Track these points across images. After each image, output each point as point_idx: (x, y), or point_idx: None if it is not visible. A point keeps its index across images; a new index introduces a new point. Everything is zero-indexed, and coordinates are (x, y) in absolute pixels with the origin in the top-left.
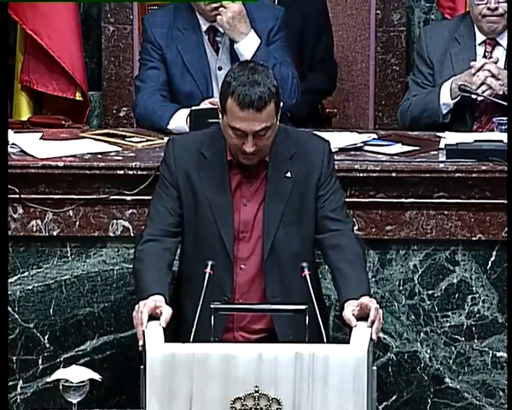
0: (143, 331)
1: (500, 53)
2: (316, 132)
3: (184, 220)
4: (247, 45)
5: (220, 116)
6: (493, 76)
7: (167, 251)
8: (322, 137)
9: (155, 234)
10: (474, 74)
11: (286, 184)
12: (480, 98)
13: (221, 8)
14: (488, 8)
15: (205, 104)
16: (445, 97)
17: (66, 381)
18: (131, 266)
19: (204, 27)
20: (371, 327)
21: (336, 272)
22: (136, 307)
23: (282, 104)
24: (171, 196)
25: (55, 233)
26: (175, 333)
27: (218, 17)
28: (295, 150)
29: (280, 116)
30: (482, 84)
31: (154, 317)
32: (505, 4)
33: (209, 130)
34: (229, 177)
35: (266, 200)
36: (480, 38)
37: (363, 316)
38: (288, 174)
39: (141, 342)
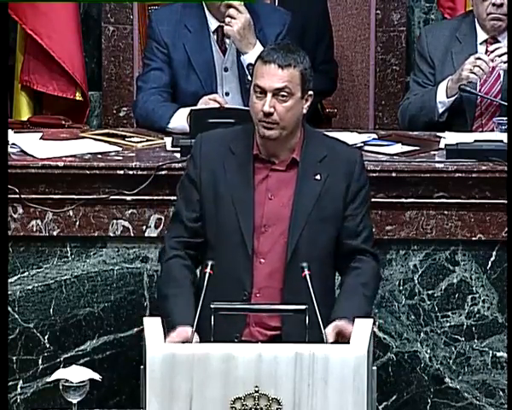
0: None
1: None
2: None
3: (206, 220)
4: (255, 56)
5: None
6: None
7: (187, 269)
8: (354, 148)
9: (176, 247)
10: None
11: (315, 186)
12: (479, 98)
13: (228, 19)
14: (493, 5)
15: (204, 101)
16: (441, 96)
17: (66, 381)
18: (131, 266)
19: (212, 27)
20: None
21: (341, 291)
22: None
23: (311, 92)
24: (192, 201)
25: (55, 233)
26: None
27: (227, 28)
28: (326, 153)
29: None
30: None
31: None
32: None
33: (240, 126)
34: (254, 170)
35: (296, 197)
36: (481, 37)
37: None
38: (318, 177)
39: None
